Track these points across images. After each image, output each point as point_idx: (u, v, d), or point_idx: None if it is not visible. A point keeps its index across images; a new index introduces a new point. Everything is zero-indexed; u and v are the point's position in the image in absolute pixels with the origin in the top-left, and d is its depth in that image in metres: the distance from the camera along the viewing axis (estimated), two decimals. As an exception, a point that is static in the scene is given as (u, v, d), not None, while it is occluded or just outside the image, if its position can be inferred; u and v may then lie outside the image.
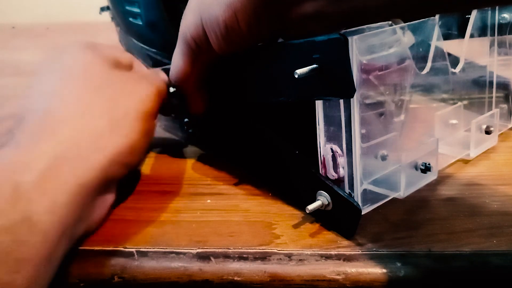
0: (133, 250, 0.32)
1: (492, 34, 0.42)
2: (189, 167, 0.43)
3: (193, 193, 0.39)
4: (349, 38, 0.28)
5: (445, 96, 0.41)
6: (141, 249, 0.32)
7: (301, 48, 0.30)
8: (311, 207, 0.32)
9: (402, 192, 0.32)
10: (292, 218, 0.35)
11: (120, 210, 0.37)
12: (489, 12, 0.41)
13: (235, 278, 0.31)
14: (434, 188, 0.38)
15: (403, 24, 0.33)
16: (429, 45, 0.36)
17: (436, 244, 0.32)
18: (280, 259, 0.31)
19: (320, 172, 0.34)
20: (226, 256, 0.32)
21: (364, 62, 0.30)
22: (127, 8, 0.46)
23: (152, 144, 0.41)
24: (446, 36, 0.39)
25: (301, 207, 0.34)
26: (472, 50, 0.41)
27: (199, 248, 0.32)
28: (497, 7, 0.41)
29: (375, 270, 0.30)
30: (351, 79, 0.28)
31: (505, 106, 0.44)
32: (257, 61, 0.35)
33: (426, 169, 0.33)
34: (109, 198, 0.35)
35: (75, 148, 0.32)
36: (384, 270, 0.30)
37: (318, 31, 0.30)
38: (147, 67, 0.43)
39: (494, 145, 0.43)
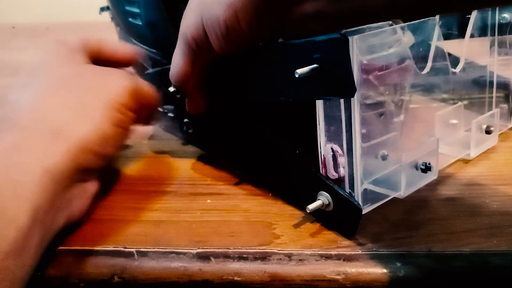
0: (133, 250, 0.32)
1: (493, 34, 0.42)
2: (189, 167, 0.43)
3: (193, 193, 0.39)
4: (350, 38, 0.28)
5: (445, 96, 0.41)
6: (141, 249, 0.32)
7: (302, 48, 0.30)
8: (311, 206, 0.32)
9: (403, 192, 0.32)
10: (292, 218, 0.35)
11: (120, 210, 0.37)
12: (489, 12, 0.41)
13: (235, 278, 0.31)
14: (434, 188, 0.38)
15: (403, 24, 0.33)
16: (429, 45, 0.36)
17: (436, 244, 0.32)
18: (280, 259, 0.31)
19: (321, 171, 0.34)
20: (226, 256, 0.32)
21: (365, 62, 0.30)
22: (127, 8, 0.46)
23: (152, 144, 0.41)
24: (447, 36, 0.39)
25: (302, 207, 0.34)
26: (472, 50, 0.41)
27: (199, 248, 0.32)
28: (497, 7, 0.41)
29: (375, 270, 0.30)
30: (352, 78, 0.28)
31: (505, 106, 0.44)
32: (258, 61, 0.35)
33: (426, 169, 0.33)
34: (90, 187, 0.35)
35: (36, 135, 0.32)
36: (384, 270, 0.30)
37: (318, 31, 0.30)
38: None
39: (494, 145, 0.43)
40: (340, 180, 0.33)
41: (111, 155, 0.37)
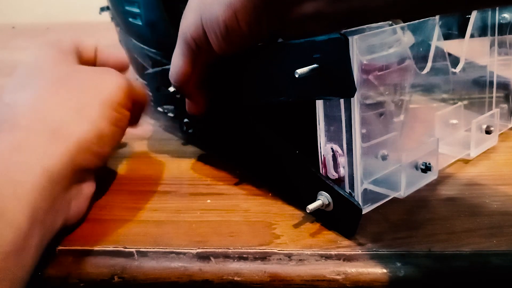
0: (133, 250, 0.32)
1: (493, 34, 0.42)
2: (189, 167, 0.43)
3: (193, 193, 0.39)
4: (350, 38, 0.28)
5: (445, 96, 0.41)
6: (141, 249, 0.32)
7: (301, 48, 0.30)
8: (311, 206, 0.32)
9: (403, 192, 0.32)
10: (292, 218, 0.35)
11: (120, 210, 0.37)
12: (489, 12, 0.41)
13: (235, 278, 0.31)
14: (434, 188, 0.38)
15: (403, 24, 0.33)
16: (429, 45, 0.36)
17: (436, 244, 0.32)
18: (280, 259, 0.31)
19: (321, 171, 0.34)
20: (226, 256, 0.32)
21: (365, 62, 0.30)
22: (127, 8, 0.46)
23: (152, 144, 0.41)
24: (447, 36, 0.39)
25: (302, 207, 0.34)
26: (472, 50, 0.41)
27: (199, 248, 0.32)
28: (497, 7, 0.41)
29: (375, 270, 0.30)
30: (352, 78, 0.28)
31: (505, 106, 0.44)
32: (257, 61, 0.35)
33: (426, 169, 0.33)
34: (86, 188, 0.35)
35: (36, 135, 0.32)
36: (384, 270, 0.30)
37: (318, 31, 0.30)
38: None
39: (494, 145, 0.43)
40: (340, 180, 0.33)
41: (108, 154, 0.37)
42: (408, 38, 0.33)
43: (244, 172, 0.41)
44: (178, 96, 0.41)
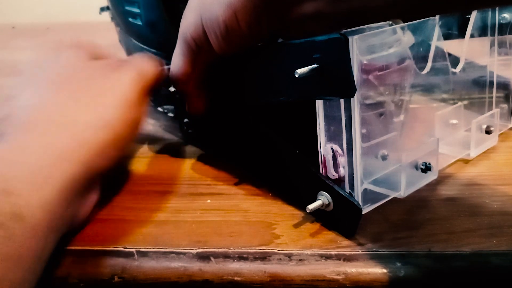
0: (133, 250, 0.32)
1: (493, 34, 0.42)
2: (189, 167, 0.43)
3: (193, 193, 0.39)
4: (350, 38, 0.28)
5: (445, 96, 0.41)
6: (141, 249, 0.32)
7: (301, 48, 0.30)
8: (311, 206, 0.32)
9: (403, 192, 0.32)
10: (292, 218, 0.35)
11: (120, 210, 0.37)
12: (489, 12, 0.41)
13: (235, 278, 0.31)
14: (434, 188, 0.38)
15: (403, 24, 0.33)
16: (429, 45, 0.36)
17: (436, 244, 0.32)
18: (280, 259, 0.31)
19: (321, 171, 0.34)
20: (226, 256, 0.32)
21: (365, 62, 0.30)
22: (127, 8, 0.46)
23: (152, 144, 0.41)
24: (447, 36, 0.39)
25: (302, 207, 0.34)
26: (472, 50, 0.41)
27: (199, 248, 0.32)
28: (497, 7, 0.41)
29: (375, 270, 0.30)
30: (352, 78, 0.28)
31: (505, 106, 0.44)
32: (257, 61, 0.35)
33: (426, 169, 0.33)
34: (94, 193, 0.35)
35: (60, 143, 0.32)
36: (384, 270, 0.30)
37: (318, 31, 0.30)
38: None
39: (494, 145, 0.43)
40: (340, 180, 0.33)
41: (121, 157, 0.36)
42: (408, 38, 0.33)
43: (244, 172, 0.41)
44: (178, 96, 0.41)
